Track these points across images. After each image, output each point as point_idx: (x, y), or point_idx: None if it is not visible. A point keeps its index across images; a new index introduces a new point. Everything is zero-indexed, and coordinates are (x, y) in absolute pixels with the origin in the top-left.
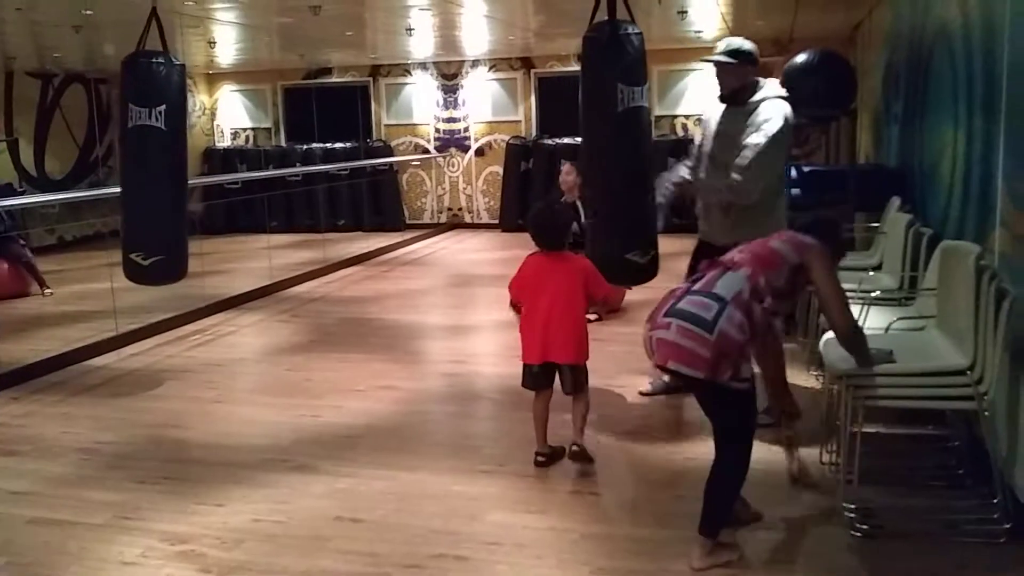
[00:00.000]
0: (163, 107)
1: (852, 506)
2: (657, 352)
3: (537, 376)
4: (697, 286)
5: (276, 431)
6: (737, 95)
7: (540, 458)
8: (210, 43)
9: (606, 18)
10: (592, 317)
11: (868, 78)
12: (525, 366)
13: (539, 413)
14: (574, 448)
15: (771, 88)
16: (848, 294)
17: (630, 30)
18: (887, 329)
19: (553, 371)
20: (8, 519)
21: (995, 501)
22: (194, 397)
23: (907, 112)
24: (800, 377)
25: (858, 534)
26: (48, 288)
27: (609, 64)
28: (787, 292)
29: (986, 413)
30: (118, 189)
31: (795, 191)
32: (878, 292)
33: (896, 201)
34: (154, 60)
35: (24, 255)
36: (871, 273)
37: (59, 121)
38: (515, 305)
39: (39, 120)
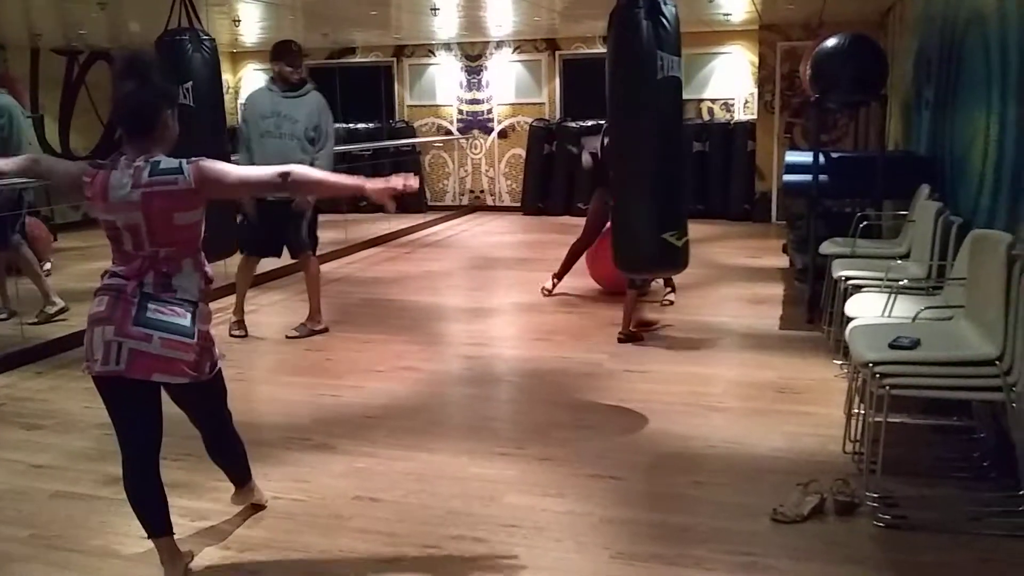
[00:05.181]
0: (190, 84)
1: (875, 496)
2: (132, 364)
3: None
4: (150, 290)
5: (296, 410)
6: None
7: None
8: (235, 21)
9: None
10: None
11: (899, 63)
12: None
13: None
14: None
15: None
16: (875, 282)
17: (668, 1)
18: (914, 318)
19: None
20: (31, 492)
21: (1020, 494)
22: None
23: (938, 98)
24: (824, 365)
25: (881, 524)
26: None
27: (650, 31)
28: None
29: (1014, 405)
30: None
31: (823, 177)
32: (905, 281)
33: (925, 189)
34: (179, 38)
35: None
36: (899, 262)
37: (84, 98)
38: None
39: (64, 97)
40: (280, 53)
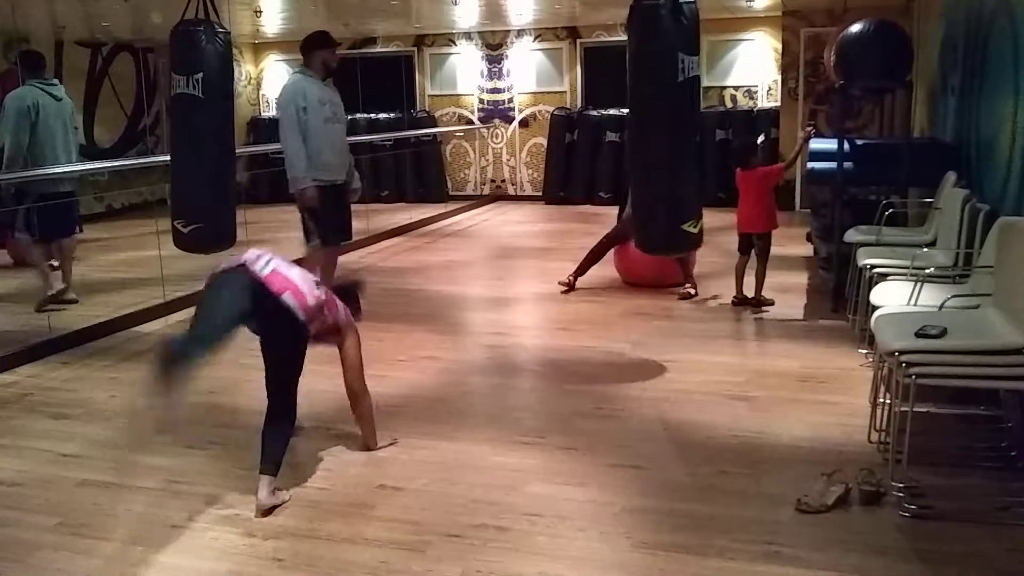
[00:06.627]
0: (200, 75)
1: (901, 486)
2: (274, 275)
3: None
4: None
5: (320, 399)
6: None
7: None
8: (256, 12)
9: None
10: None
11: (924, 49)
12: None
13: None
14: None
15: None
16: (901, 270)
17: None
18: (941, 307)
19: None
20: (59, 481)
21: None
22: (240, 364)
23: (964, 84)
24: (849, 354)
25: (907, 515)
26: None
27: (671, 32)
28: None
29: None
30: (159, 158)
31: (848, 165)
32: (932, 269)
33: (952, 176)
34: (194, 28)
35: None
36: (925, 249)
37: (108, 90)
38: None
39: (88, 89)
40: (327, 41)
